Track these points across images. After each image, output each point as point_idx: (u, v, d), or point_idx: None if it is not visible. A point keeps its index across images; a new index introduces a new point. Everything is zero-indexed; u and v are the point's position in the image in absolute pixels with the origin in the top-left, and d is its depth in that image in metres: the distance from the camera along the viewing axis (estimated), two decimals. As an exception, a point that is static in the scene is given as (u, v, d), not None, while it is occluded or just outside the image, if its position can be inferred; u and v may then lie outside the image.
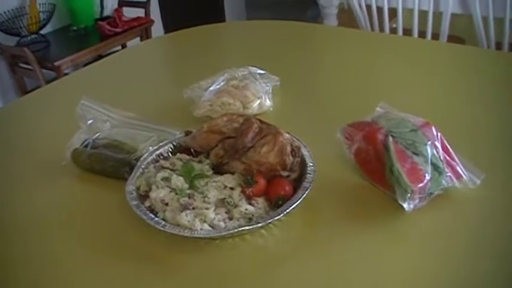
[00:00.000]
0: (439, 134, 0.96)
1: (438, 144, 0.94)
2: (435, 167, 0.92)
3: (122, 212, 0.97)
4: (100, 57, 3.26)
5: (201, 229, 0.86)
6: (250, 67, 1.35)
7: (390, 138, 0.93)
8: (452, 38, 2.50)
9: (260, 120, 0.98)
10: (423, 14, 2.53)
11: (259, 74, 1.34)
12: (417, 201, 0.90)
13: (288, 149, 0.93)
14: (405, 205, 0.90)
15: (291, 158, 0.93)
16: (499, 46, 2.41)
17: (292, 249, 0.90)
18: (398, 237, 0.90)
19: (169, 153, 1.06)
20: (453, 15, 2.48)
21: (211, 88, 1.28)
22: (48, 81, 2.88)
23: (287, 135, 0.96)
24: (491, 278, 0.81)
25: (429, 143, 0.93)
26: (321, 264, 0.85)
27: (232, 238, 0.89)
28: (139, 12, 3.64)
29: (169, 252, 0.89)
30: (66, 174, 1.13)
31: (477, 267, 0.82)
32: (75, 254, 0.92)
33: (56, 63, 3.02)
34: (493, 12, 2.33)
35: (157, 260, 0.89)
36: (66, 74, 3.01)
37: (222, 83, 1.30)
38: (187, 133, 1.06)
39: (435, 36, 2.52)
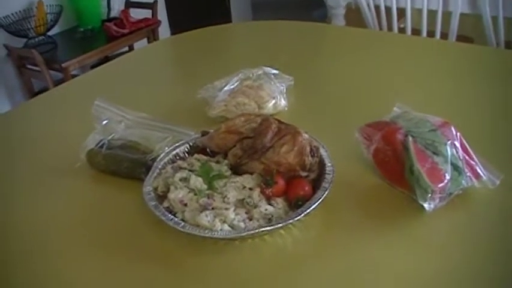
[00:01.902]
0: (458, 133, 0.95)
1: (457, 144, 0.94)
2: (455, 167, 0.91)
3: (139, 213, 0.96)
4: (107, 58, 3.27)
5: (221, 229, 0.85)
6: (264, 67, 1.35)
7: (410, 138, 0.93)
8: (461, 38, 2.50)
9: (278, 120, 0.98)
10: (432, 14, 2.53)
11: (273, 74, 1.34)
12: (437, 201, 0.90)
13: (307, 149, 0.93)
14: (426, 205, 0.89)
15: (310, 158, 0.93)
16: (508, 45, 2.40)
17: (312, 250, 0.89)
18: (417, 238, 0.89)
19: (186, 154, 1.06)
20: (462, 14, 2.47)
21: (225, 88, 1.27)
22: (55, 83, 2.88)
23: (306, 135, 0.95)
24: (511, 278, 0.80)
25: (449, 142, 0.92)
26: (340, 265, 0.85)
27: (252, 239, 0.89)
28: (146, 13, 3.63)
29: (187, 254, 0.89)
30: (81, 175, 1.13)
31: (498, 268, 0.82)
32: (92, 256, 0.92)
33: (63, 65, 3.03)
34: (503, 12, 2.32)
35: (176, 261, 0.88)
36: (73, 76, 3.02)
37: (236, 83, 1.29)
38: (204, 133, 1.05)
39: (444, 36, 2.52)
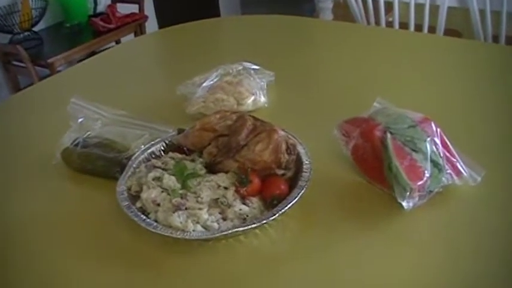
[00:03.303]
0: (438, 129, 0.93)
1: (438, 141, 0.92)
2: (435, 164, 0.90)
3: (113, 212, 0.94)
4: (94, 53, 3.21)
5: (193, 230, 0.83)
6: (244, 62, 1.33)
7: (388, 135, 0.91)
8: (449, 32, 2.49)
9: (254, 118, 0.96)
10: (419, 7, 2.52)
11: (254, 69, 1.32)
12: (416, 199, 0.88)
13: (283, 146, 0.91)
14: (404, 203, 0.87)
15: (286, 155, 0.91)
16: (495, 39, 2.39)
17: (288, 250, 0.87)
18: (397, 236, 0.88)
19: (162, 152, 1.04)
20: (450, 8, 2.46)
21: (204, 84, 1.25)
22: (41, 79, 2.85)
23: (282, 132, 0.93)
24: (492, 276, 0.78)
25: (428, 139, 0.90)
26: (318, 265, 0.83)
27: (226, 239, 0.87)
28: (133, 8, 3.60)
29: (161, 254, 0.87)
30: (57, 174, 1.11)
31: (478, 266, 0.80)
32: (64, 255, 0.90)
33: (49, 61, 2.99)
34: (490, 6, 2.31)
35: (150, 262, 0.87)
36: (59, 71, 2.98)
37: (215, 79, 1.27)
38: (180, 131, 1.03)
39: (432, 29, 2.50)
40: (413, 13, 2.52)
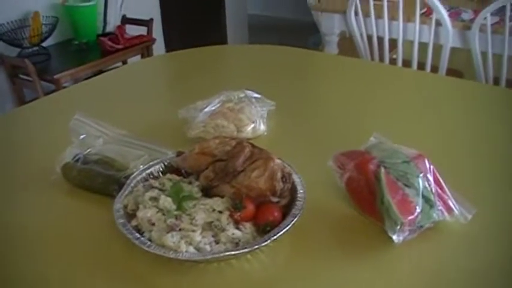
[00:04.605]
0: (431, 166, 0.95)
1: (430, 177, 0.94)
2: (426, 200, 0.91)
3: (108, 230, 0.95)
4: (100, 72, 3.25)
5: (186, 251, 0.84)
6: (246, 90, 1.35)
7: (382, 169, 0.93)
8: (451, 71, 2.52)
9: (252, 145, 0.98)
10: (423, 46, 2.55)
11: (255, 97, 1.34)
12: (407, 233, 0.90)
13: (279, 174, 0.92)
14: (394, 237, 0.89)
15: (281, 184, 0.92)
16: (496, 81, 2.42)
17: (278, 276, 0.88)
18: (386, 268, 0.89)
19: (160, 173, 1.05)
20: (453, 48, 2.50)
21: (206, 109, 1.27)
22: (46, 94, 2.88)
23: (278, 160, 0.95)
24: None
25: (421, 175, 0.92)
26: (306, 292, 0.84)
27: (218, 262, 0.88)
28: (142, 30, 3.65)
29: (154, 273, 0.88)
30: (55, 188, 1.12)
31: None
32: (58, 269, 0.91)
33: (56, 76, 3.02)
34: (492, 49, 2.35)
35: (142, 279, 0.88)
36: (65, 87, 3.01)
37: (217, 105, 1.29)
38: (179, 154, 1.05)
39: (434, 68, 2.54)
40: (417, 51, 2.56)
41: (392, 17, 2.57)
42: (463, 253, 0.92)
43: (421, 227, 0.92)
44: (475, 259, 0.90)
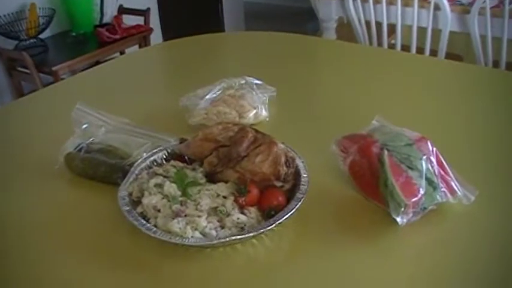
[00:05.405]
0: (434, 148, 0.95)
1: (433, 159, 0.94)
2: (429, 182, 0.92)
3: (113, 217, 0.96)
4: (98, 63, 3.25)
5: (192, 237, 0.85)
6: (247, 77, 1.35)
7: (385, 152, 0.93)
8: (450, 55, 2.51)
9: (255, 130, 0.98)
10: (422, 31, 2.55)
11: (256, 84, 1.34)
12: (410, 215, 0.90)
13: (282, 159, 0.93)
14: (398, 219, 0.89)
15: (285, 168, 0.93)
16: (496, 64, 2.42)
17: (283, 260, 0.89)
18: (390, 251, 0.90)
19: (163, 160, 1.06)
20: (452, 32, 2.49)
21: (207, 97, 1.27)
22: (45, 86, 2.87)
23: (282, 145, 0.95)
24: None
25: (424, 157, 0.93)
26: (311, 275, 0.84)
27: (224, 247, 0.89)
28: (139, 20, 3.64)
29: (159, 259, 0.89)
30: (59, 178, 1.12)
31: (467, 284, 0.82)
32: (64, 258, 0.92)
33: (54, 68, 3.01)
34: (491, 32, 2.34)
35: (148, 266, 0.88)
36: (63, 79, 3.00)
37: (218, 92, 1.29)
38: (182, 140, 1.05)
39: (433, 53, 2.53)
40: (416, 36, 2.55)
41: (391, 2, 2.56)
42: (466, 234, 0.93)
43: (425, 209, 0.92)
44: (478, 240, 0.90)
